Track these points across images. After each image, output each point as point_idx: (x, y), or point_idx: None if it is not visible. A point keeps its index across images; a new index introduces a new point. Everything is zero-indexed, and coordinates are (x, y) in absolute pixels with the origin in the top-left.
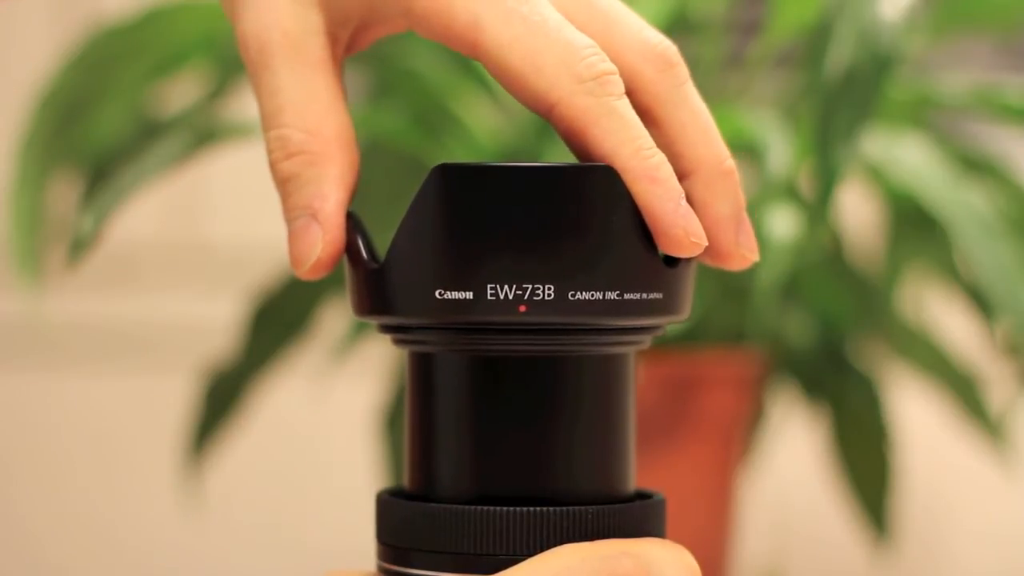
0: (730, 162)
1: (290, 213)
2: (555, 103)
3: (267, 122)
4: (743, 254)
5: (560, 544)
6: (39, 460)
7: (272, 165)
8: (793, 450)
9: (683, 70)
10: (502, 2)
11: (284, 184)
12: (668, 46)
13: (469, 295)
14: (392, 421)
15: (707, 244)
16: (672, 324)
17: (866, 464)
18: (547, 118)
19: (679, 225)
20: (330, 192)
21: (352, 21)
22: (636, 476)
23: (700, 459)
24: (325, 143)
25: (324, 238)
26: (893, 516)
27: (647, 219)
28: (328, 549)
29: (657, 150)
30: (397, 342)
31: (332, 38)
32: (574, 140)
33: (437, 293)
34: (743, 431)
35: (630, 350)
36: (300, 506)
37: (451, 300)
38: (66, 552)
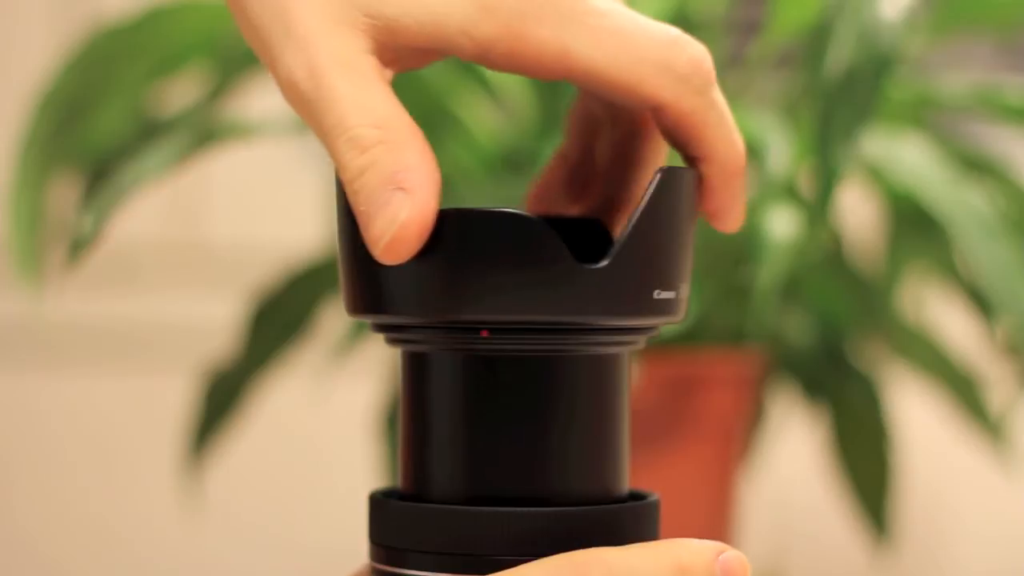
0: (744, 158)
1: (368, 199)
2: (662, 105)
3: (332, 134)
4: (738, 221)
5: (551, 544)
6: (39, 460)
7: (344, 169)
8: (793, 450)
9: (706, 77)
10: (583, 23)
11: (360, 176)
12: (701, 54)
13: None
14: (392, 421)
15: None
16: (668, 325)
17: (866, 464)
18: (653, 116)
19: (736, 214)
20: (416, 164)
21: (403, 46)
22: (630, 476)
23: (700, 459)
24: (400, 132)
25: (412, 201)
26: (893, 516)
27: (711, 202)
28: (328, 549)
29: (739, 137)
30: (391, 341)
31: (380, 58)
32: (680, 135)
33: (432, 292)
34: (743, 431)
35: (623, 350)
36: (300, 506)
37: (445, 299)
38: (66, 552)
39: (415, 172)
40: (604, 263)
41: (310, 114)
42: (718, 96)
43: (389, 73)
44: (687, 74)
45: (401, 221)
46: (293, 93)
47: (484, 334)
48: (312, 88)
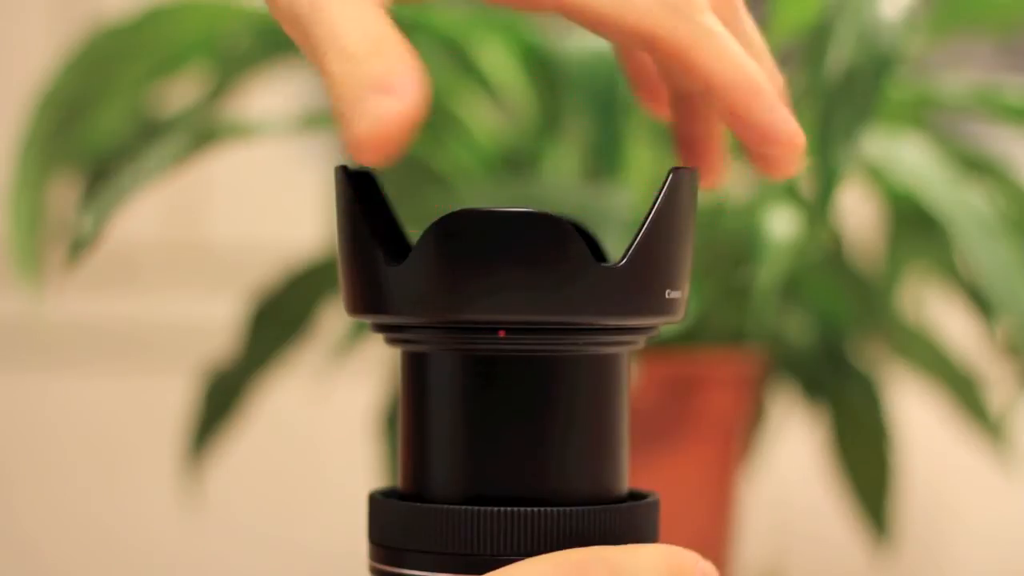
0: (780, 77)
1: (351, 101)
2: (653, 37)
3: (322, 47)
4: (792, 138)
5: (550, 545)
6: (39, 460)
7: (329, 76)
8: (793, 450)
9: (696, 3)
10: None
11: (344, 82)
12: None
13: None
14: (392, 421)
15: (803, 141)
16: (667, 325)
17: (866, 464)
18: (645, 51)
19: (792, 128)
20: (404, 69)
21: None
22: (630, 476)
23: (700, 459)
24: (392, 46)
25: (394, 102)
26: (893, 516)
27: (760, 129)
28: (328, 549)
29: (749, 59)
30: (390, 341)
31: None
32: (677, 66)
33: (432, 292)
34: (743, 431)
35: (623, 350)
36: (300, 506)
37: (445, 299)
38: (66, 552)
39: (402, 76)
40: (623, 263)
41: (300, 30)
42: (714, 23)
43: (387, 2)
44: (675, 2)
45: (381, 116)
46: (285, 10)
47: (501, 334)
48: (306, 3)
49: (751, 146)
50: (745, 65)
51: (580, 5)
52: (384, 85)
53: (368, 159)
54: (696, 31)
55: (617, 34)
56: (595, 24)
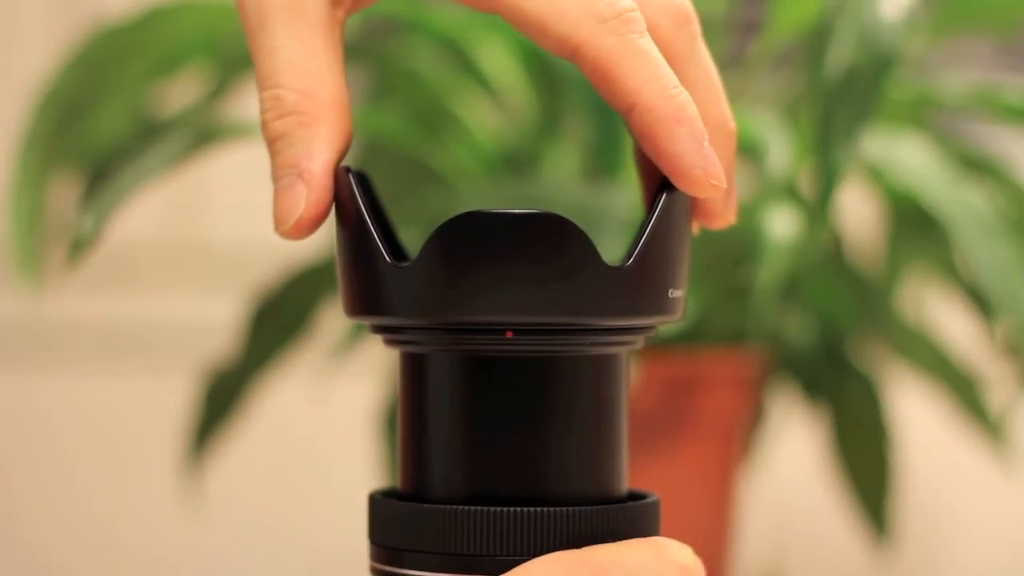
0: (732, 124)
1: (277, 172)
2: (578, 45)
3: (263, 82)
4: (727, 216)
5: (551, 545)
6: (39, 460)
7: (264, 124)
8: (793, 450)
9: (697, 26)
10: None
11: (274, 143)
12: (684, 0)
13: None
14: (392, 421)
15: (726, 186)
16: (666, 324)
17: (866, 464)
18: (572, 61)
19: (699, 166)
20: (318, 152)
21: None
22: (630, 476)
23: (700, 459)
24: (319, 105)
25: (308, 197)
26: (893, 516)
27: (667, 159)
28: (328, 549)
29: (682, 89)
30: (389, 342)
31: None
32: (600, 81)
33: (431, 293)
34: (743, 431)
35: (622, 350)
36: (300, 506)
37: (443, 300)
38: (66, 552)
39: (315, 163)
40: (630, 262)
41: (251, 47)
42: (647, 44)
43: (341, 13)
44: (605, 15)
45: (299, 214)
46: (243, 18)
47: (509, 335)
48: (258, 26)
49: (671, 179)
50: (672, 90)
51: (513, 7)
52: (300, 168)
53: (285, 236)
54: (624, 47)
55: (546, 40)
56: (525, 28)
